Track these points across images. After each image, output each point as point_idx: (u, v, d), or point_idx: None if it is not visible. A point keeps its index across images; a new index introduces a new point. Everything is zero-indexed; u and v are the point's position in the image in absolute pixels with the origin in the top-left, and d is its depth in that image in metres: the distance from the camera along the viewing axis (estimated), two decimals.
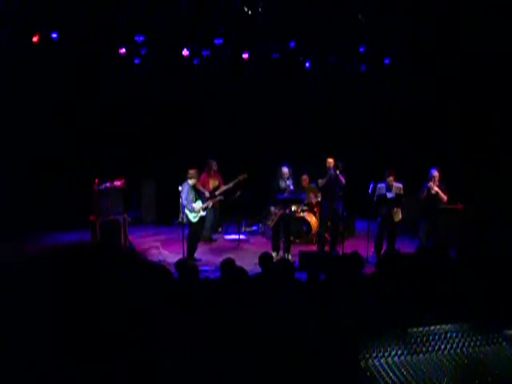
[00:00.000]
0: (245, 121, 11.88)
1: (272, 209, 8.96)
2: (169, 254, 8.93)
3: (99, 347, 2.81)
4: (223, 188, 9.93)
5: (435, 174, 8.34)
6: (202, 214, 8.81)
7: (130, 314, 3.23)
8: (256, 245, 9.90)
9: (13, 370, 2.55)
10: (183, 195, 8.51)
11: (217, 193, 9.79)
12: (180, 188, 8.48)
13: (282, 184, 8.73)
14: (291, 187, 8.73)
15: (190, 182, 8.61)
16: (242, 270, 4.41)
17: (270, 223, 9.08)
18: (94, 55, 10.29)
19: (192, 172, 8.67)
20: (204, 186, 9.79)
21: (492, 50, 9.67)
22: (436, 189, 8.29)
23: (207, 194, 9.68)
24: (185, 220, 8.63)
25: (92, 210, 9.21)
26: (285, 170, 8.73)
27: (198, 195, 8.89)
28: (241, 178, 9.92)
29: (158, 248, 9.63)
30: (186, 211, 8.58)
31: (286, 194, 8.70)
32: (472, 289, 3.72)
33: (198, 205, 8.70)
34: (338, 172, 8.64)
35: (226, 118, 11.80)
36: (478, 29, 9.40)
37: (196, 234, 8.85)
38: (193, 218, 8.62)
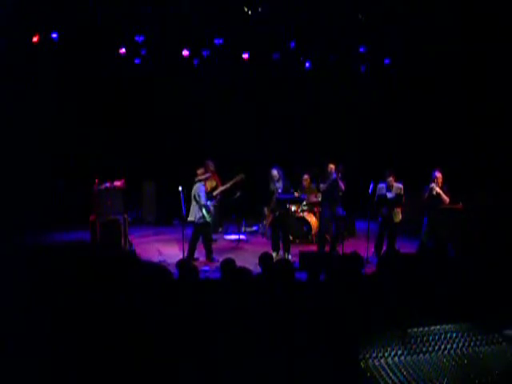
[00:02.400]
0: (245, 121, 11.88)
1: (265, 210, 8.98)
2: (169, 254, 8.92)
3: (99, 346, 2.81)
4: (220, 188, 9.92)
5: (438, 175, 8.32)
6: (213, 213, 8.96)
7: (130, 314, 3.23)
8: (256, 245, 9.89)
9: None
10: (202, 195, 8.55)
11: (214, 193, 9.78)
12: (180, 188, 8.40)
13: (272, 186, 8.72)
14: (279, 190, 8.70)
15: (203, 182, 8.73)
16: (243, 270, 4.40)
17: (266, 224, 9.10)
18: (94, 55, 10.28)
19: (200, 172, 8.78)
20: None
21: (492, 48, 9.68)
22: (438, 190, 8.27)
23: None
24: (198, 220, 8.60)
25: (92, 210, 9.20)
26: (274, 172, 8.71)
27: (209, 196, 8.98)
28: (238, 178, 9.90)
29: (158, 248, 9.63)
30: (204, 212, 8.58)
31: (277, 196, 8.67)
32: (472, 289, 3.72)
33: (211, 205, 8.82)
34: (339, 175, 8.64)
35: (226, 118, 11.80)
36: (478, 28, 9.40)
37: (209, 234, 8.87)
38: (208, 218, 8.66)
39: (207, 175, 8.91)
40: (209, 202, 8.72)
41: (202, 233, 8.71)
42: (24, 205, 9.85)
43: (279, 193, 8.67)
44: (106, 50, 10.28)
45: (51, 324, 3.02)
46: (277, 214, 8.79)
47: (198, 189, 8.65)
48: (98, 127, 10.98)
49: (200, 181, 8.75)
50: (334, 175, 8.64)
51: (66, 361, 2.69)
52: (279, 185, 8.71)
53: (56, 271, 4.04)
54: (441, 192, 8.28)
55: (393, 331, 2.36)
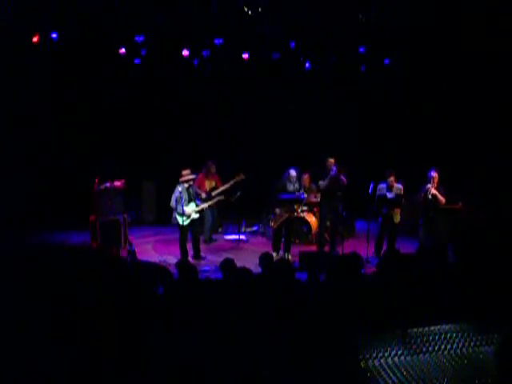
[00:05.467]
0: (244, 121, 11.87)
1: (277, 210, 8.92)
2: (169, 254, 8.92)
3: (99, 347, 2.81)
4: (221, 188, 9.93)
5: (434, 175, 8.32)
6: (194, 216, 8.58)
7: (130, 314, 3.24)
8: (256, 245, 9.89)
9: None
10: (173, 197, 8.38)
11: (213, 193, 9.77)
12: (180, 188, 8.42)
13: (290, 187, 8.73)
14: (301, 191, 8.78)
15: (185, 184, 8.45)
16: (243, 270, 4.41)
17: (273, 224, 9.07)
18: (94, 55, 10.28)
19: (185, 173, 8.48)
20: (200, 187, 9.76)
21: (492, 48, 9.68)
22: (433, 191, 8.25)
23: (203, 195, 9.66)
24: (173, 221, 8.56)
25: (92, 210, 9.20)
26: (293, 173, 8.72)
27: (193, 197, 8.64)
28: (238, 178, 9.91)
29: (158, 248, 9.63)
30: (176, 214, 8.43)
31: (287, 195, 8.69)
32: (472, 289, 3.72)
33: (191, 208, 8.50)
34: (341, 173, 8.63)
35: (226, 119, 11.79)
36: (478, 28, 9.40)
37: (191, 235, 8.70)
38: (181, 221, 8.41)
39: (190, 182, 8.56)
40: (189, 206, 8.46)
41: (180, 233, 8.52)
42: (24, 205, 9.85)
43: (301, 193, 8.75)
44: (106, 50, 10.28)
45: (51, 324, 3.02)
46: (293, 213, 8.88)
47: (175, 190, 8.43)
48: (98, 127, 10.98)
49: (181, 182, 8.45)
50: (334, 171, 8.63)
51: (66, 360, 2.69)
52: (297, 185, 8.76)
53: (56, 271, 4.05)
54: (437, 193, 8.26)
55: (393, 331, 2.36)
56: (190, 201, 8.54)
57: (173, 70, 11.24)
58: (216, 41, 10.32)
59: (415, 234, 9.03)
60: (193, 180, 8.75)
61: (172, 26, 9.88)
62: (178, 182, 8.51)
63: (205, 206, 9.00)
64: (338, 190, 8.82)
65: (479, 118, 10.34)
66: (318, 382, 2.47)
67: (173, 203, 8.40)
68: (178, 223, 8.48)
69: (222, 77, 11.49)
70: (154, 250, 9.43)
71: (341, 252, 8.46)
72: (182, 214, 8.38)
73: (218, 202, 9.73)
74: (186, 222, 8.46)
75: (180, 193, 8.38)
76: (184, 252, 8.51)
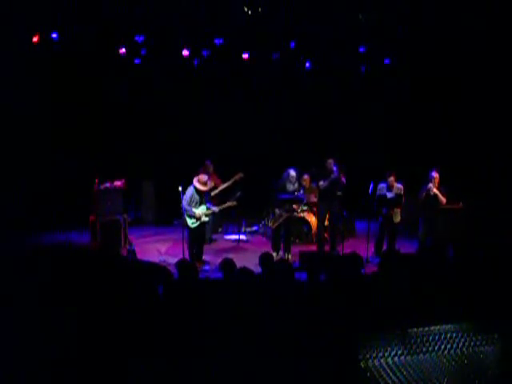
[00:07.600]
0: (244, 121, 11.88)
1: (277, 211, 8.90)
2: (169, 254, 8.92)
3: (99, 347, 2.81)
4: (219, 188, 9.93)
5: (435, 175, 8.34)
6: (204, 219, 8.34)
7: (131, 314, 3.24)
8: (256, 245, 9.89)
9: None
10: (185, 199, 8.12)
11: (212, 193, 9.73)
12: (180, 188, 8.24)
13: (290, 187, 8.73)
14: (301, 191, 8.80)
15: (198, 186, 8.21)
16: (244, 270, 4.40)
17: (272, 224, 9.05)
18: (94, 55, 10.28)
19: (202, 179, 8.23)
20: None
21: (492, 49, 9.69)
22: (435, 190, 8.28)
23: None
24: (184, 223, 8.35)
25: (92, 210, 9.20)
26: (293, 173, 8.71)
27: (204, 200, 8.42)
28: (237, 177, 9.89)
29: (158, 248, 9.63)
30: (185, 216, 8.19)
31: (287, 195, 8.70)
32: (472, 289, 3.72)
33: (202, 210, 8.26)
34: (341, 174, 8.63)
35: (226, 118, 11.80)
36: (478, 28, 9.41)
37: (198, 237, 8.40)
38: (191, 223, 8.20)
39: (202, 188, 8.27)
40: (199, 208, 8.23)
41: (188, 234, 8.31)
42: (24, 205, 9.85)
43: (301, 193, 8.78)
44: (106, 50, 10.28)
45: (51, 324, 3.02)
46: (293, 214, 8.91)
47: (187, 191, 8.19)
48: (98, 127, 10.98)
49: (194, 184, 8.24)
50: (336, 173, 8.63)
51: (66, 360, 2.69)
52: (297, 185, 8.80)
53: (56, 271, 4.05)
54: (438, 193, 8.29)
55: (393, 331, 2.36)
56: (200, 203, 8.30)
57: (173, 69, 11.25)
58: (216, 41, 10.33)
59: (415, 234, 9.04)
60: (205, 186, 8.38)
61: (172, 26, 9.89)
62: (189, 182, 8.30)
63: (215, 209, 8.70)
64: (338, 190, 8.84)
65: (479, 117, 10.34)
66: (318, 382, 2.47)
67: (185, 205, 8.11)
68: (186, 225, 8.24)
69: (222, 77, 11.49)
70: (154, 250, 9.42)
71: (341, 252, 8.46)
72: (192, 216, 8.19)
73: (219, 201, 9.61)
74: (194, 225, 8.24)
75: (192, 194, 8.20)
76: (191, 253, 8.28)
